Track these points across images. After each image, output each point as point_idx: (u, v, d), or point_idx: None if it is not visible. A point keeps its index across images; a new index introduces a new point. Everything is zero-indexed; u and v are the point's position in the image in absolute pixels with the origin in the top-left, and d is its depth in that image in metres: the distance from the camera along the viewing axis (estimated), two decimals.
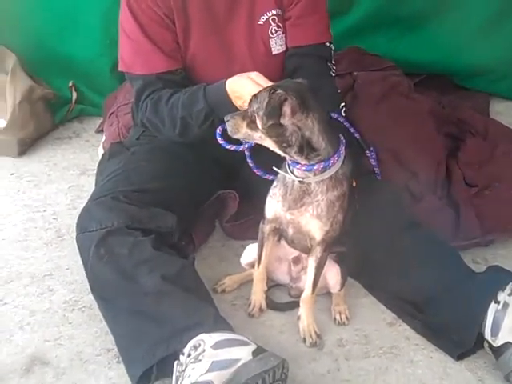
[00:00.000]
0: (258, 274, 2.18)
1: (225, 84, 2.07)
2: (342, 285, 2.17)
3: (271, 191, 2.02)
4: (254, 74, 1.99)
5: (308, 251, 2.07)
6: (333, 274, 2.15)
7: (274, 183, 2.02)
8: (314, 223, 1.95)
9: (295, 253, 2.18)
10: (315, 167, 1.87)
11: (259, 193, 2.12)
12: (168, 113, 2.19)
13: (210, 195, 2.47)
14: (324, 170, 1.88)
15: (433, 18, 3.41)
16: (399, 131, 2.88)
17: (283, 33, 2.32)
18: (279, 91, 1.78)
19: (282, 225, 2.03)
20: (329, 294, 2.24)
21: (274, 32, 2.31)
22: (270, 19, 2.30)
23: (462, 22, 3.35)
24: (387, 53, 3.41)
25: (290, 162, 1.90)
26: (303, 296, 2.11)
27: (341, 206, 1.94)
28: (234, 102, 2.05)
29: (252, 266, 2.18)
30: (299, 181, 1.91)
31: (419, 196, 2.68)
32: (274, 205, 2.00)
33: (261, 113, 1.80)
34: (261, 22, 2.29)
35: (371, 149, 2.31)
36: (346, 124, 2.27)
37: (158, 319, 1.93)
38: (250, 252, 2.23)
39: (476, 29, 3.35)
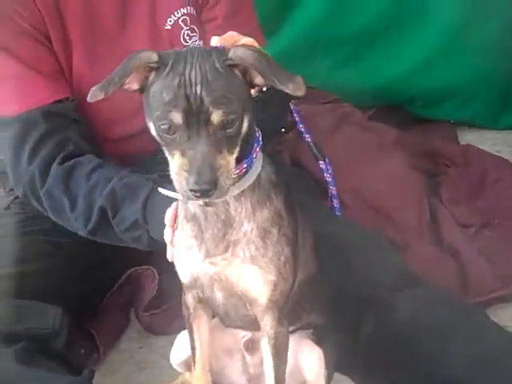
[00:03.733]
0: (197, 379, 1.47)
1: None
2: (327, 380, 1.47)
3: (176, 235, 1.33)
4: None
5: (257, 327, 1.36)
6: (312, 361, 1.45)
7: (177, 220, 1.33)
8: (250, 273, 1.26)
9: (245, 333, 1.49)
10: (237, 170, 1.19)
11: None
12: (85, 194, 1.61)
13: (116, 275, 1.98)
14: (248, 167, 1.22)
15: (382, 37, 2.90)
16: (362, 168, 2.38)
17: (200, 39, 1.88)
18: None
19: (204, 288, 1.33)
20: None
21: (187, 38, 1.87)
22: (180, 21, 1.85)
23: (418, 40, 2.87)
24: (328, 84, 2.88)
25: None
26: None
27: (281, 233, 1.27)
28: None
29: (189, 366, 1.52)
30: (206, 203, 1.22)
31: (402, 244, 2.11)
32: (185, 255, 1.30)
33: None
34: (168, 27, 1.85)
35: (326, 160, 1.70)
36: (299, 122, 1.64)
37: None
38: (182, 344, 1.54)
39: (434, 46, 2.87)
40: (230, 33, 1.38)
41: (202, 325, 1.44)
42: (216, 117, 1.08)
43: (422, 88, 2.94)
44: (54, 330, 1.57)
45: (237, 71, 1.13)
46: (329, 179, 1.76)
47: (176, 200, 1.32)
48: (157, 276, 1.95)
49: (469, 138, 2.92)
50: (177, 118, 1.08)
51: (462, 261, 1.99)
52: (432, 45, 2.87)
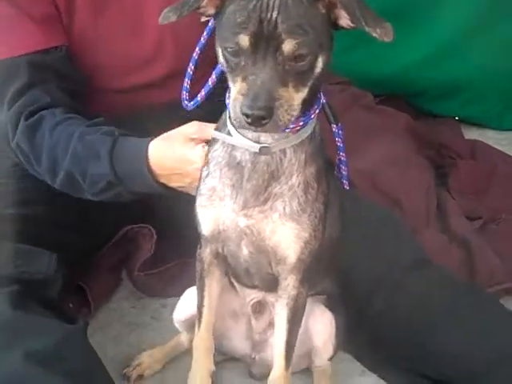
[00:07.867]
0: (200, 339, 1.37)
1: (146, 153, 1.42)
2: (336, 349, 1.40)
3: (207, 183, 1.22)
4: (193, 130, 1.37)
5: (274, 288, 1.28)
6: (322, 325, 1.37)
7: (208, 165, 1.22)
8: (285, 229, 1.18)
9: (256, 295, 1.39)
10: (292, 125, 1.12)
11: (189, 225, 1.32)
12: (49, 151, 1.53)
13: (112, 232, 1.85)
14: (304, 125, 1.15)
15: (394, 22, 2.53)
16: (372, 150, 2.27)
17: None
18: None
19: (230, 242, 1.23)
20: (309, 370, 1.46)
21: None
22: None
23: (432, 29, 2.76)
24: (335, 66, 2.73)
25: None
26: (271, 377, 1.32)
27: (320, 190, 1.20)
28: (161, 178, 1.43)
29: (192, 326, 1.41)
30: (263, 149, 1.14)
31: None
32: (216, 205, 1.20)
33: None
34: None
35: (339, 124, 1.55)
36: None
37: None
38: (189, 300, 1.44)
39: (448, 38, 2.77)
40: None
41: (214, 281, 1.35)
42: (288, 45, 0.99)
43: (430, 80, 2.82)
44: (47, 276, 1.46)
45: (321, 6, 1.04)
46: (340, 144, 1.68)
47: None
48: (154, 236, 1.83)
49: (472, 135, 2.82)
50: (244, 40, 1.00)
51: (471, 250, 1.90)
52: (446, 36, 2.76)
